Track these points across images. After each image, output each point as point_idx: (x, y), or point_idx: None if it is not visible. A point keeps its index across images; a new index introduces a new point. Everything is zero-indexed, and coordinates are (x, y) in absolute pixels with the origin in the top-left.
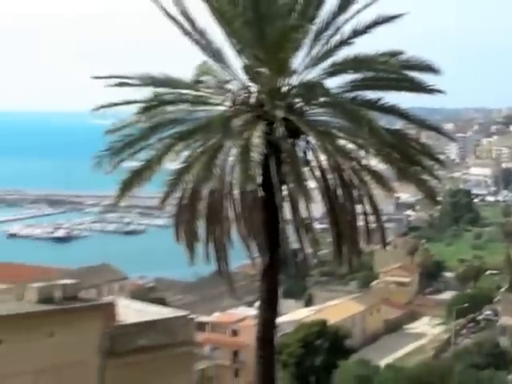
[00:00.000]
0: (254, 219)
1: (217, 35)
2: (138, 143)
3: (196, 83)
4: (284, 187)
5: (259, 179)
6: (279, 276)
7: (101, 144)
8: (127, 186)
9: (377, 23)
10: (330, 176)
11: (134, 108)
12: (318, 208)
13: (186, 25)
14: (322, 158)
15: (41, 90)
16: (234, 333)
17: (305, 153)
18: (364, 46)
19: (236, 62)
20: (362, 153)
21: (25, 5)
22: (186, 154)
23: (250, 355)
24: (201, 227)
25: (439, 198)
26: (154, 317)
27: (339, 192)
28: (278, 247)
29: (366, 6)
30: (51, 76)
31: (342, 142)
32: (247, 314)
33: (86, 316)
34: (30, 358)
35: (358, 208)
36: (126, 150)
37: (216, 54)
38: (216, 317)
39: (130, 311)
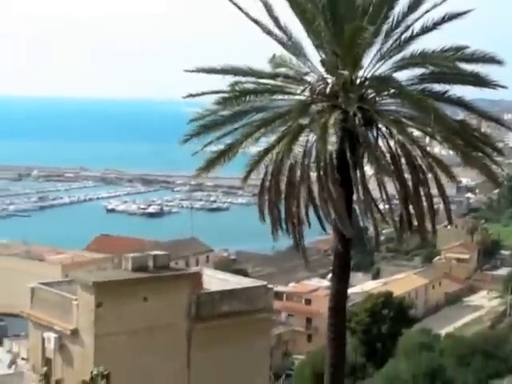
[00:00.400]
0: (329, 198)
1: (296, 31)
2: (222, 129)
3: (275, 74)
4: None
5: (335, 160)
6: (350, 251)
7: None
8: (210, 164)
9: (445, 20)
10: (399, 161)
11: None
12: (377, 190)
13: (269, 23)
14: (392, 144)
15: (146, 80)
16: (308, 302)
17: (376, 140)
18: (431, 40)
19: (314, 56)
20: (428, 140)
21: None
22: (266, 139)
23: (322, 322)
24: (280, 205)
25: (500, 181)
26: (236, 286)
27: (408, 176)
28: (351, 224)
29: (434, 6)
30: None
31: (410, 129)
32: (320, 285)
33: (175, 283)
34: (126, 319)
35: (424, 190)
36: (211, 134)
37: (296, 49)
38: (291, 287)
39: (215, 280)
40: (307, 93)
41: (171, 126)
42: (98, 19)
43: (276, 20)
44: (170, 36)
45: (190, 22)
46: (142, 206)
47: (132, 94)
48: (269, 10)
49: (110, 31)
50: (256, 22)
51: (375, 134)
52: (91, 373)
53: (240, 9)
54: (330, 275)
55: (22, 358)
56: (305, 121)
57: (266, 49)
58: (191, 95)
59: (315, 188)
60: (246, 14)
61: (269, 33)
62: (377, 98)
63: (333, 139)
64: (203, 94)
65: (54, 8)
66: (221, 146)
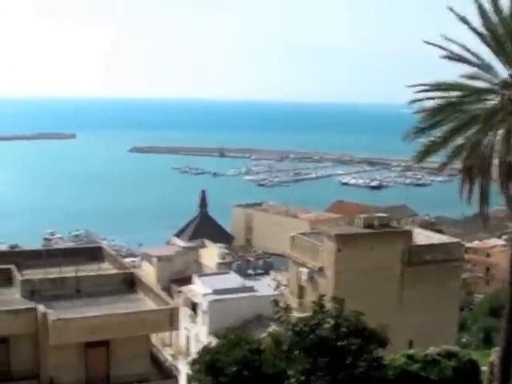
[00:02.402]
0: (508, 178)
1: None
2: (433, 127)
3: (476, 90)
4: None
5: None
6: None
7: (404, 125)
8: (423, 154)
9: None
10: None
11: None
12: None
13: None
14: None
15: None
16: (487, 255)
17: None
18: None
19: (502, 70)
20: None
21: None
22: (463, 136)
23: (498, 271)
24: (473, 183)
25: None
26: (437, 241)
27: None
28: None
29: None
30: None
31: None
32: (497, 243)
33: (393, 238)
34: (357, 262)
35: None
36: (425, 131)
37: (484, 66)
38: (475, 244)
39: (421, 237)
40: (497, 100)
41: (388, 123)
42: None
43: (464, 46)
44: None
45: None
46: (367, 181)
47: (357, 98)
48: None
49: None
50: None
51: None
52: (319, 296)
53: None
54: (504, 236)
55: (283, 285)
56: (494, 122)
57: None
58: (413, 101)
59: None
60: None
61: (460, 59)
62: None
63: None
64: (419, 100)
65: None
66: (431, 139)
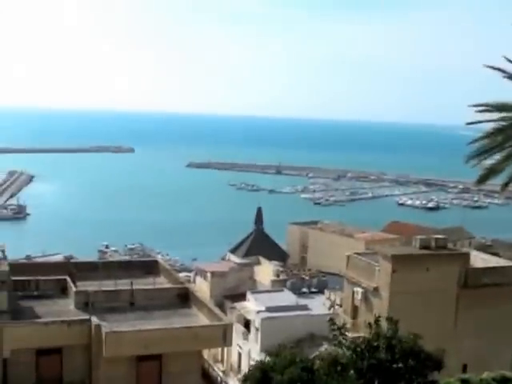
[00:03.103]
0: None
1: None
2: (493, 150)
3: None
4: None
5: None
6: None
7: (461, 146)
8: (486, 175)
9: None
10: None
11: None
12: None
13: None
14: None
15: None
16: None
17: None
18: None
19: None
20: None
21: None
22: None
23: None
24: None
25: None
26: (494, 264)
27: None
28: None
29: None
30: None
31: None
32: None
33: (450, 259)
34: (412, 283)
35: None
36: (485, 154)
37: None
38: None
39: (478, 259)
40: None
41: (444, 144)
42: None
43: None
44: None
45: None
46: (424, 202)
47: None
48: None
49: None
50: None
51: None
52: (375, 315)
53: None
54: None
55: (337, 304)
56: None
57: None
58: (471, 123)
59: None
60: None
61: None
62: None
63: None
64: (479, 122)
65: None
66: (492, 162)
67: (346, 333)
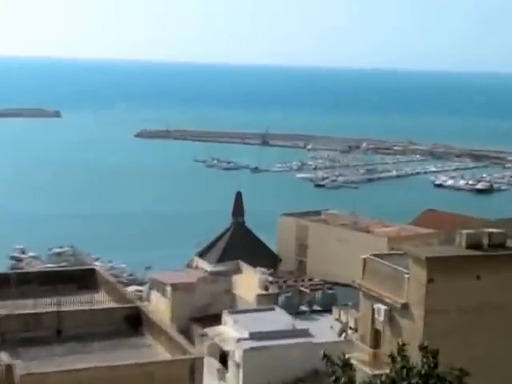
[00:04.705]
0: None
1: None
2: None
3: None
4: None
5: None
6: None
7: None
8: None
9: None
10: None
11: None
12: None
13: None
14: None
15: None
16: None
17: None
18: None
19: None
20: None
21: None
22: None
23: None
24: None
25: None
26: None
27: None
28: None
29: None
30: None
31: None
32: None
33: (510, 263)
34: (457, 297)
35: None
36: None
37: None
38: None
39: None
40: None
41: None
42: None
43: None
44: None
45: None
46: (471, 182)
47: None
48: None
49: None
50: None
51: None
52: (398, 343)
53: None
54: None
55: (350, 328)
56: None
57: None
58: None
59: None
60: None
61: None
62: None
63: None
64: None
65: None
66: None
67: (361, 368)
